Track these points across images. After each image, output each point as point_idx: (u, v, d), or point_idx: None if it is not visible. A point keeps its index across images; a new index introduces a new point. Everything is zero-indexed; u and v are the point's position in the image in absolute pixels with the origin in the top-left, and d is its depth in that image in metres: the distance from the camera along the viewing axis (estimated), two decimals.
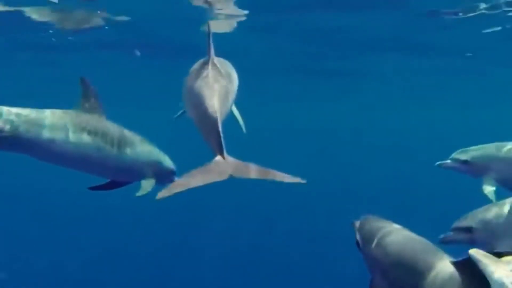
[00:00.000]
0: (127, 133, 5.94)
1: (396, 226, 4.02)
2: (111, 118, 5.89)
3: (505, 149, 6.84)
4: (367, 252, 4.05)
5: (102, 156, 5.69)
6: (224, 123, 4.02)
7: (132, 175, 6.11)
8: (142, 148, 6.03)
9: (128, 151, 5.86)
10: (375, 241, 3.96)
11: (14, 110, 5.35)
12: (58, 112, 5.56)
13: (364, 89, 21.63)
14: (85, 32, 12.35)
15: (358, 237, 4.19)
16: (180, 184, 3.67)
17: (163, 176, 6.19)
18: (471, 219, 5.43)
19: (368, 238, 4.06)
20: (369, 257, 4.04)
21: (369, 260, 4.05)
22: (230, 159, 3.77)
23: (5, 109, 5.32)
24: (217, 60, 4.57)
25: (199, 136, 4.17)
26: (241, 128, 5.71)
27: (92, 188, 6.32)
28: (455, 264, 3.36)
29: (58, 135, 5.43)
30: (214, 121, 3.92)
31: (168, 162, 6.28)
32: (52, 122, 5.41)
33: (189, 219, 16.16)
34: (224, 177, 3.69)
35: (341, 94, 23.48)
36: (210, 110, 4.01)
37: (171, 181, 6.12)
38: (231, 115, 5.46)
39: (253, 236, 15.05)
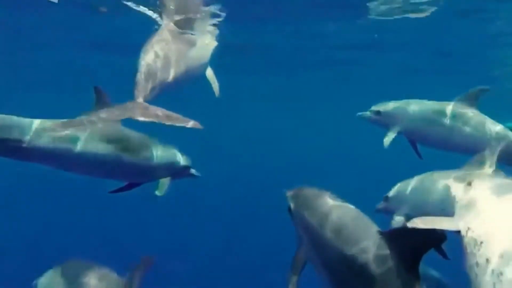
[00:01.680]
0: (142, 137, 5.99)
1: (329, 194, 4.02)
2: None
3: (413, 105, 7.30)
4: (298, 219, 4.05)
5: (119, 163, 5.72)
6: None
7: (149, 177, 6.19)
8: (157, 151, 6.06)
9: (144, 155, 5.91)
10: (307, 208, 3.98)
11: (33, 120, 5.36)
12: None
13: None
14: None
15: (291, 204, 4.19)
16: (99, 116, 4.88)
17: (179, 173, 6.34)
18: (392, 190, 6.10)
19: (300, 205, 4.07)
20: (299, 224, 4.05)
21: (299, 228, 4.07)
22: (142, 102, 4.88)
23: (25, 120, 5.34)
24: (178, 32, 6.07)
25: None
26: (214, 93, 6.55)
27: (112, 192, 6.36)
28: (384, 234, 3.46)
29: (76, 145, 5.44)
30: (138, 70, 5.05)
31: (182, 158, 6.33)
32: (69, 132, 5.39)
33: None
34: (133, 115, 4.72)
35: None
36: (140, 60, 5.17)
37: (189, 175, 6.44)
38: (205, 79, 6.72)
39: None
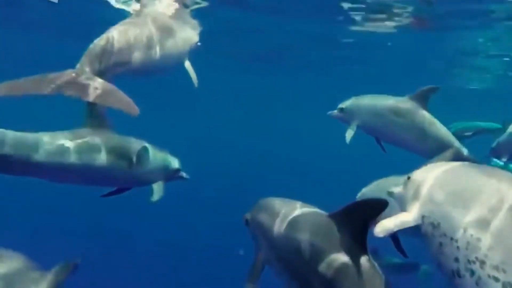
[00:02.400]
0: (135, 143, 5.88)
1: (282, 199, 4.17)
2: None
3: (368, 101, 7.56)
4: (256, 227, 4.20)
5: (114, 172, 5.65)
6: None
7: (143, 182, 6.18)
8: (148, 157, 5.99)
9: (135, 162, 5.79)
10: (263, 214, 4.14)
11: (20, 134, 5.16)
12: (65, 133, 5.41)
13: None
14: None
15: (247, 216, 4.35)
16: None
17: (171, 176, 6.37)
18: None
19: (257, 213, 4.23)
20: (257, 231, 4.19)
21: (256, 235, 4.21)
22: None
23: (11, 133, 5.10)
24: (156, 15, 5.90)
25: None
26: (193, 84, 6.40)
27: (105, 196, 6.31)
28: (333, 216, 3.58)
29: (69, 157, 5.28)
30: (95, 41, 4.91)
31: (173, 162, 6.35)
32: (62, 143, 5.26)
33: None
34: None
35: None
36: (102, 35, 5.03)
37: (179, 178, 6.47)
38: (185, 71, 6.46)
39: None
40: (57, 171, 5.30)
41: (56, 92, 4.29)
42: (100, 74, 4.74)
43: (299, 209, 3.90)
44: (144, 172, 5.97)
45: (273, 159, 26.62)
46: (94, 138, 5.45)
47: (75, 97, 4.29)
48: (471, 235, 2.67)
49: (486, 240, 2.57)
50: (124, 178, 5.89)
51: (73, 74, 4.58)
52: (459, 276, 2.69)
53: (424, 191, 3.23)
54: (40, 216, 15.91)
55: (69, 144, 5.26)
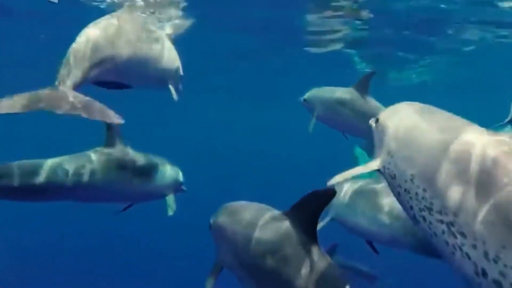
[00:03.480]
0: (148, 158, 6.07)
1: (241, 202, 4.26)
2: None
3: (322, 92, 7.97)
4: (217, 230, 4.30)
5: (130, 188, 5.87)
6: None
7: (156, 197, 6.36)
8: (162, 171, 6.21)
9: (152, 177, 6.07)
10: (221, 218, 4.26)
11: (43, 161, 5.33)
12: (88, 154, 5.63)
13: None
14: None
15: (211, 220, 4.43)
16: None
17: (177, 189, 6.51)
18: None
19: (218, 217, 4.33)
20: (217, 234, 4.29)
21: (217, 238, 4.32)
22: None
23: (43, 162, 5.30)
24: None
25: None
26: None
27: (122, 211, 6.42)
28: (285, 213, 3.71)
29: (92, 177, 5.47)
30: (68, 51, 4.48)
31: (179, 174, 6.49)
32: (80, 166, 5.46)
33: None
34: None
35: None
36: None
37: (181, 190, 6.55)
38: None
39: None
40: (86, 193, 5.51)
41: (39, 108, 4.10)
42: (83, 78, 4.47)
43: (257, 211, 3.97)
44: (160, 187, 6.20)
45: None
46: (116, 157, 5.71)
47: (57, 112, 4.11)
48: (418, 186, 2.81)
49: (430, 191, 2.72)
50: (143, 194, 6.11)
51: (52, 90, 4.27)
52: (417, 221, 2.89)
53: (385, 140, 3.28)
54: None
55: (95, 165, 5.51)
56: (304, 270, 3.34)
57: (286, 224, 3.61)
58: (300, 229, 3.52)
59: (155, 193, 6.25)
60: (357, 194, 5.43)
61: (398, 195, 3.09)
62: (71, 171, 5.34)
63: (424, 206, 2.76)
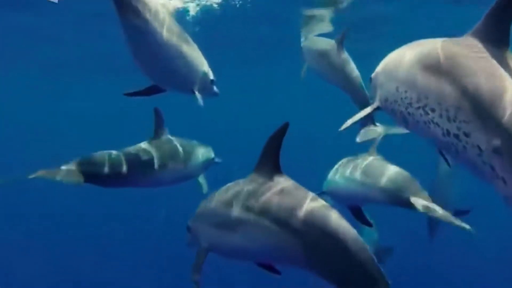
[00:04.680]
0: (188, 142, 6.63)
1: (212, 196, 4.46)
2: None
3: (310, 43, 8.43)
4: (197, 226, 4.55)
5: (183, 171, 6.48)
6: None
7: (195, 176, 6.90)
8: (201, 152, 6.75)
9: (194, 159, 6.60)
10: (197, 215, 4.59)
11: (115, 152, 5.98)
12: (147, 145, 6.25)
13: None
14: None
15: (189, 223, 4.71)
16: None
17: (210, 165, 7.07)
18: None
19: (196, 215, 4.63)
20: (198, 230, 4.53)
21: (197, 234, 4.54)
22: None
23: (107, 152, 5.94)
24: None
25: None
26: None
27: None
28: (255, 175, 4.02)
29: (154, 167, 6.12)
30: None
31: (211, 152, 7.02)
32: (144, 157, 6.10)
33: None
34: None
35: None
36: None
37: (215, 164, 7.14)
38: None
39: None
40: (142, 180, 6.15)
41: None
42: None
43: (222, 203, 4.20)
44: (200, 166, 6.76)
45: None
46: (171, 145, 6.37)
47: None
48: (402, 92, 3.59)
49: (409, 90, 3.50)
50: (189, 175, 6.68)
51: None
52: (405, 120, 3.62)
53: (377, 82, 4.01)
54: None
55: (158, 154, 6.16)
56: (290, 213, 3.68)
57: (255, 179, 4.01)
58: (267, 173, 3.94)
59: (196, 173, 6.83)
60: (341, 168, 6.31)
61: (393, 113, 3.78)
62: (145, 160, 6.05)
63: (407, 103, 3.53)
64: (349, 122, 4.10)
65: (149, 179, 6.16)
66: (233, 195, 4.07)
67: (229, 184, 4.29)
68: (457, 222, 5.10)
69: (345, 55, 7.61)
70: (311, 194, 3.77)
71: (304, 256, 3.58)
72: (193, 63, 5.88)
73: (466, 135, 3.02)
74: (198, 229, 4.49)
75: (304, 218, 3.60)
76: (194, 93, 5.98)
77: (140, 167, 6.00)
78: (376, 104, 4.00)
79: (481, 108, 2.93)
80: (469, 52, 3.14)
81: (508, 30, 3.04)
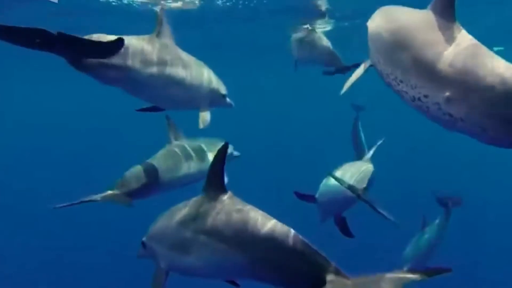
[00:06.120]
0: (204, 141, 6.87)
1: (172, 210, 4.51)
2: None
3: (295, 35, 9.47)
4: (153, 243, 4.64)
5: (204, 169, 6.50)
6: None
7: None
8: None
9: (208, 160, 6.71)
10: (152, 234, 4.69)
11: (145, 164, 6.31)
12: (169, 150, 6.62)
13: None
14: None
15: (144, 239, 4.81)
16: None
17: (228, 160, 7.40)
18: None
19: (151, 231, 4.72)
20: (155, 245, 4.62)
21: (154, 250, 4.64)
22: None
23: (139, 167, 6.23)
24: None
25: None
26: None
27: None
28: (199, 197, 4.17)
29: (181, 170, 6.50)
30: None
31: (231, 147, 7.16)
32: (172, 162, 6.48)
33: None
34: None
35: None
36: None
37: (232, 159, 7.27)
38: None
39: None
40: (181, 183, 6.54)
41: None
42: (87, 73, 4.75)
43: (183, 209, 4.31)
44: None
45: None
46: (188, 148, 6.67)
47: None
48: (382, 64, 4.10)
49: (385, 64, 4.04)
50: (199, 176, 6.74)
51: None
52: (390, 85, 4.06)
53: (369, 46, 4.44)
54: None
55: (185, 158, 6.54)
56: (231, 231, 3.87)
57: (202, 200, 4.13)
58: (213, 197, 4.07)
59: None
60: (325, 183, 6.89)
61: (382, 76, 4.20)
62: (173, 165, 6.42)
63: (386, 73, 4.07)
64: (348, 84, 4.52)
65: (179, 182, 6.50)
66: (184, 216, 4.20)
67: (179, 205, 4.41)
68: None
69: (319, 35, 9.16)
70: (255, 210, 3.91)
71: (253, 270, 3.78)
72: (197, 84, 5.82)
73: (426, 96, 3.68)
74: (154, 249, 4.62)
75: (250, 234, 3.78)
76: (204, 110, 6.05)
77: (171, 172, 6.37)
78: (368, 63, 4.46)
79: (430, 73, 3.61)
80: (422, 25, 3.81)
81: (454, 4, 3.68)
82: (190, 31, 11.63)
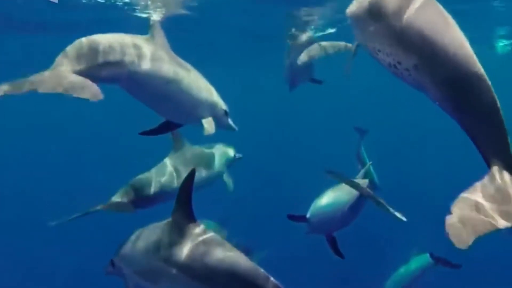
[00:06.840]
0: (209, 147, 7.00)
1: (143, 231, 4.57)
2: None
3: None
4: (122, 264, 4.70)
5: (212, 175, 6.87)
6: None
7: (219, 178, 7.14)
8: (220, 155, 7.06)
9: (216, 164, 6.91)
10: (122, 256, 4.71)
11: (150, 174, 6.38)
12: (172, 159, 6.63)
13: None
14: None
15: (114, 260, 4.84)
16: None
17: (234, 162, 7.39)
18: None
19: (119, 253, 4.76)
20: (118, 269, 4.75)
21: (120, 272, 4.74)
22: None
23: (144, 177, 6.37)
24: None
25: None
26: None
27: None
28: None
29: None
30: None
31: (231, 151, 7.29)
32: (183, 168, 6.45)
33: None
34: None
35: None
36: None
37: (238, 160, 7.41)
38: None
39: None
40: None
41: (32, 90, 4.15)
42: (81, 75, 4.40)
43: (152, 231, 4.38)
44: (222, 169, 7.04)
45: None
46: (192, 155, 6.74)
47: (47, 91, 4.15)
48: (366, 39, 4.18)
49: (365, 36, 4.14)
50: (212, 180, 6.93)
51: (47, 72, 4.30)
52: (385, 62, 4.03)
53: (352, 28, 4.47)
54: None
55: (182, 167, 6.48)
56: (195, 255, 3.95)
57: (173, 232, 4.13)
58: (182, 232, 4.08)
59: (221, 174, 7.06)
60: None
61: (367, 49, 4.22)
62: (175, 174, 6.39)
63: (370, 47, 4.11)
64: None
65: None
66: (152, 243, 4.26)
67: (149, 228, 4.48)
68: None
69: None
70: (221, 243, 4.01)
71: None
72: (196, 87, 5.49)
73: (399, 63, 3.81)
74: (122, 269, 4.69)
75: (213, 265, 3.88)
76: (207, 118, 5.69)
77: (176, 181, 6.31)
78: (355, 44, 4.54)
79: (396, 41, 3.78)
80: None
81: None
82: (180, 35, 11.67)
